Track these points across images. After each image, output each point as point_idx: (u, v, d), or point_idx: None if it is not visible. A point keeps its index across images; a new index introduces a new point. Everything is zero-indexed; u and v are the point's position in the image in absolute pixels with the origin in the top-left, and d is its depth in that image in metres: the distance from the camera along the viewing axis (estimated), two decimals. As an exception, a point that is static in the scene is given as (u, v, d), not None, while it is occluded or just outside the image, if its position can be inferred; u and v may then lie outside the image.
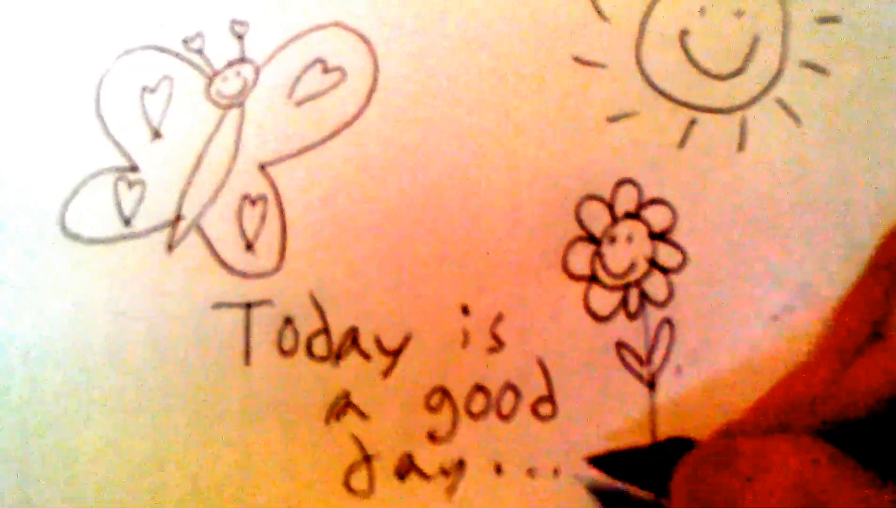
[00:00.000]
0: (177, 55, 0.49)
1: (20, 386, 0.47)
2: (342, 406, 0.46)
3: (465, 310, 0.46)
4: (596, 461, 0.44)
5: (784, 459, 0.36)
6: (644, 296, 0.45)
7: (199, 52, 0.49)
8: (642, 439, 0.44)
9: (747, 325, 0.44)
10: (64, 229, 0.48)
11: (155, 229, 0.48)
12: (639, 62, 0.46)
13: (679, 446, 0.42)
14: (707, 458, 0.39)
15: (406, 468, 0.45)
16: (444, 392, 0.45)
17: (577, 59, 0.47)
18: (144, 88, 0.49)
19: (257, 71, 0.48)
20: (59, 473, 0.47)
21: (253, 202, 0.47)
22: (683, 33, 0.46)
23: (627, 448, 0.44)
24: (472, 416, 0.45)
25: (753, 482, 0.36)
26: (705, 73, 0.46)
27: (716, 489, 0.38)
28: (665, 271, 0.45)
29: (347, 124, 0.47)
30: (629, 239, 0.45)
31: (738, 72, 0.46)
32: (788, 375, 0.42)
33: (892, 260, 0.42)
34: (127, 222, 0.48)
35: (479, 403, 0.45)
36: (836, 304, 0.43)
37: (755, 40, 0.46)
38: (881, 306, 0.40)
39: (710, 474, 0.38)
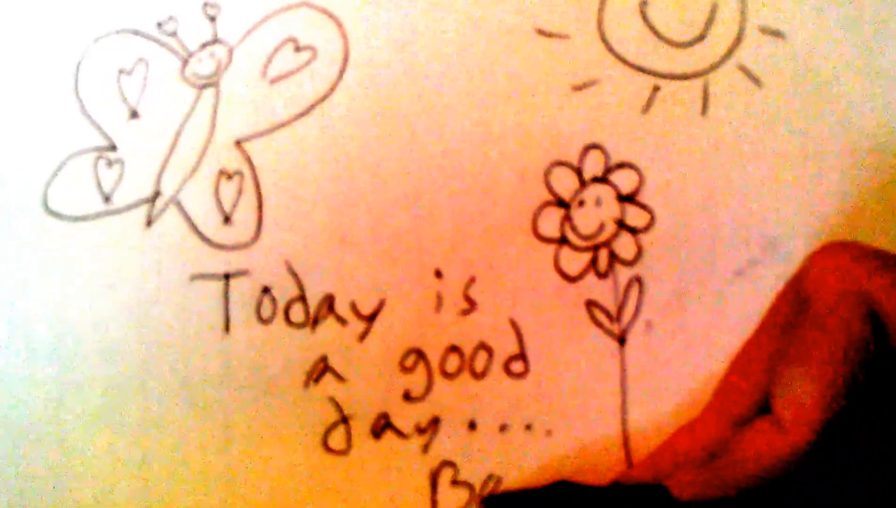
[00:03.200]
0: (151, 38, 0.50)
1: (8, 358, 0.48)
2: (320, 370, 0.47)
3: (437, 274, 0.47)
4: (487, 501, 0.45)
5: None
6: (613, 256, 0.46)
7: (173, 34, 0.50)
8: (613, 391, 0.45)
9: (714, 280, 0.45)
10: (46, 207, 0.49)
11: (134, 205, 0.49)
12: (601, 32, 0.47)
13: (562, 490, 0.43)
14: None
15: (382, 427, 0.46)
16: (419, 354, 0.46)
17: (540, 31, 0.48)
18: (121, 71, 0.50)
19: (230, 51, 0.49)
20: (48, 437, 0.48)
21: (229, 177, 0.48)
22: (643, 3, 0.47)
23: (518, 490, 0.45)
24: (447, 376, 0.46)
25: None
26: (666, 40, 0.47)
27: None
28: (633, 231, 0.46)
29: (320, 101, 0.48)
30: (598, 202, 0.46)
31: (699, 39, 0.47)
32: (681, 428, 0.44)
33: (783, 323, 0.42)
34: (107, 199, 0.49)
35: (452, 363, 0.46)
36: (798, 258, 0.44)
37: (714, 7, 0.47)
38: (769, 369, 0.41)
39: None
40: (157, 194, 0.48)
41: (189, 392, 0.47)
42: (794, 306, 0.42)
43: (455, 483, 0.46)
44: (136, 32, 0.50)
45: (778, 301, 0.44)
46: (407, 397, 0.46)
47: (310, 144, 0.48)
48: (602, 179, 0.46)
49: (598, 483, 0.44)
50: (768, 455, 0.39)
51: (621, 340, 0.46)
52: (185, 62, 0.49)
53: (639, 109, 0.47)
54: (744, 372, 0.43)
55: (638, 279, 0.46)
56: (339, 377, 0.47)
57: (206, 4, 0.50)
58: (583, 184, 0.46)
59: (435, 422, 0.46)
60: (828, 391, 0.38)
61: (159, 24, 0.50)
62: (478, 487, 0.45)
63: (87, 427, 0.48)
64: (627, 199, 0.46)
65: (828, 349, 0.38)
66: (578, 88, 0.47)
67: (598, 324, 0.46)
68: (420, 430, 0.46)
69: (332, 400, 0.46)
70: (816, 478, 0.39)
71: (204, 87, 0.49)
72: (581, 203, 0.46)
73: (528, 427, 0.45)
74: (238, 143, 0.48)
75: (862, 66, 0.46)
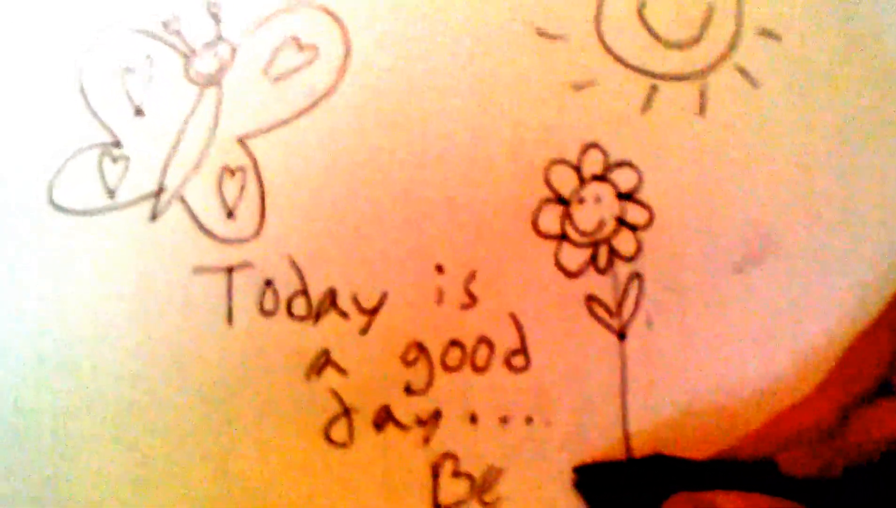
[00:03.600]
0: (156, 37, 0.51)
1: (13, 351, 0.49)
2: (322, 363, 0.47)
3: (439, 268, 0.47)
4: (580, 471, 0.45)
5: None
6: (613, 252, 0.46)
7: (177, 33, 0.50)
8: (612, 385, 0.45)
9: (713, 276, 0.46)
10: (52, 202, 0.49)
11: (139, 200, 0.49)
12: (599, 33, 0.48)
13: (659, 463, 0.43)
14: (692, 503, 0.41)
15: (384, 419, 0.46)
16: (420, 347, 0.47)
17: (539, 32, 0.48)
18: (126, 69, 0.50)
19: (234, 50, 0.50)
20: (52, 428, 0.48)
21: (232, 173, 0.48)
22: (641, 5, 0.48)
23: (608, 462, 0.45)
24: (448, 369, 0.46)
25: None
26: (664, 42, 0.48)
27: None
28: (633, 228, 0.46)
29: (322, 99, 0.49)
30: (598, 200, 0.47)
31: (696, 40, 0.48)
32: (791, 407, 0.44)
33: None
34: (112, 194, 0.49)
35: (454, 357, 0.46)
36: (796, 253, 0.45)
37: (710, 9, 0.48)
38: (888, 360, 0.41)
39: None
40: (161, 190, 0.49)
41: (192, 384, 0.47)
42: None
43: (456, 474, 0.46)
44: (140, 31, 0.51)
45: None
46: (408, 390, 0.46)
47: (312, 141, 0.49)
48: (601, 177, 0.47)
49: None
50: (888, 430, 0.39)
51: (621, 335, 0.46)
52: (189, 60, 0.50)
53: (637, 109, 0.47)
54: (863, 355, 0.43)
55: (637, 275, 0.46)
56: (341, 370, 0.47)
57: (209, 3, 0.50)
58: (582, 182, 0.47)
59: (436, 415, 0.46)
60: None
61: (164, 23, 0.51)
62: (478, 479, 0.45)
63: (91, 420, 0.48)
64: (627, 196, 0.47)
65: None
66: (577, 89, 0.48)
67: (598, 319, 0.46)
68: (421, 423, 0.46)
69: (334, 393, 0.47)
70: None
71: (207, 84, 0.50)
72: (581, 200, 0.47)
73: (529, 420, 0.46)
74: (241, 139, 0.49)
75: (857, 66, 0.46)
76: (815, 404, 0.43)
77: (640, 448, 0.45)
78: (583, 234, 0.47)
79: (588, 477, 0.45)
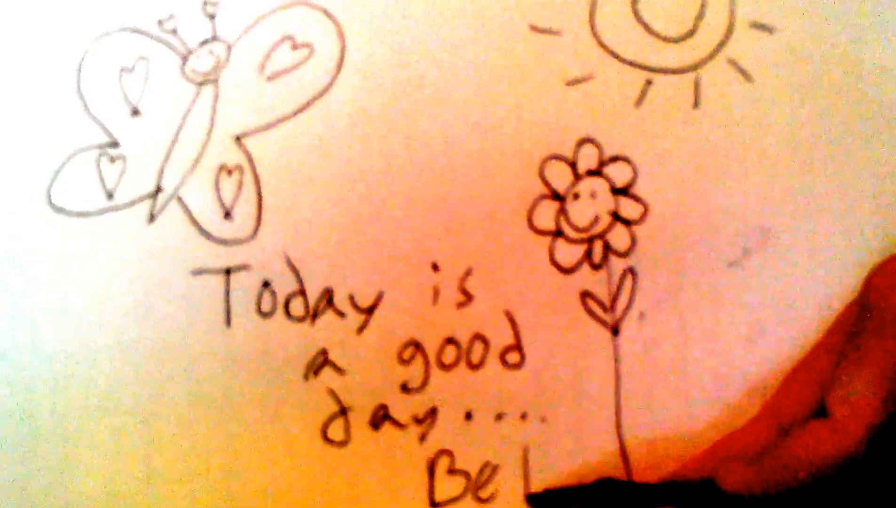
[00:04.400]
0: (152, 36, 0.51)
1: (14, 353, 0.49)
2: (320, 363, 0.48)
3: (434, 267, 0.47)
4: (531, 499, 0.46)
5: None
6: (608, 247, 0.47)
7: (173, 32, 0.50)
8: (607, 380, 0.46)
9: (707, 271, 0.46)
10: (50, 203, 0.50)
11: (136, 200, 0.49)
12: (593, 28, 0.48)
13: (607, 487, 0.44)
14: None
15: (381, 418, 0.47)
16: (417, 346, 0.47)
17: (533, 28, 0.48)
18: (122, 69, 0.50)
19: (229, 49, 0.50)
20: (53, 429, 0.49)
21: (229, 172, 0.49)
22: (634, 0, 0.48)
23: (560, 487, 0.45)
24: (444, 367, 0.47)
25: None
26: (657, 36, 0.48)
27: None
28: (627, 223, 0.47)
29: (318, 97, 0.49)
30: (592, 195, 0.47)
31: (689, 34, 0.48)
32: (729, 434, 0.44)
33: (847, 334, 0.43)
34: (110, 195, 0.49)
35: (449, 354, 0.47)
36: (791, 247, 0.45)
37: (704, 3, 0.48)
38: (827, 378, 0.42)
39: None
40: (158, 190, 0.49)
41: (191, 385, 0.48)
42: (857, 317, 0.42)
43: (452, 471, 0.46)
44: (136, 31, 0.51)
45: (844, 314, 0.44)
46: (405, 388, 0.47)
47: (308, 140, 0.49)
48: (596, 173, 0.47)
49: (594, 474, 0.45)
50: (820, 453, 0.40)
51: (615, 330, 0.46)
52: (185, 60, 0.50)
53: (632, 104, 0.47)
54: (803, 379, 0.44)
55: (632, 271, 0.47)
56: (339, 370, 0.47)
57: (205, 3, 0.50)
58: (577, 177, 0.47)
59: (432, 412, 0.47)
60: (882, 394, 0.39)
61: (160, 23, 0.51)
62: (474, 475, 0.46)
63: (91, 419, 0.48)
64: (621, 191, 0.47)
65: (884, 356, 0.39)
66: (572, 83, 0.48)
67: (593, 315, 0.46)
68: (418, 420, 0.47)
69: (332, 392, 0.47)
70: (866, 480, 0.40)
71: (203, 84, 0.50)
72: (576, 196, 0.47)
73: (524, 417, 0.46)
74: (238, 138, 0.49)
75: (850, 59, 0.46)
76: (756, 425, 0.44)
77: (634, 443, 0.45)
78: (577, 229, 0.47)
79: (539, 504, 0.45)
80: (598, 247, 0.47)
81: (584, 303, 0.47)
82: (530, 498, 0.46)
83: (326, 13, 0.49)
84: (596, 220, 0.47)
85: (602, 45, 0.48)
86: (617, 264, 0.47)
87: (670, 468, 0.45)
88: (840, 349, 0.42)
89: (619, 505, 0.43)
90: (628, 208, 0.47)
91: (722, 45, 0.47)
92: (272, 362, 0.48)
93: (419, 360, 0.47)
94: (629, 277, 0.46)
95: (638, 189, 0.47)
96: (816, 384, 0.42)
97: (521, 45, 0.48)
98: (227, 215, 0.49)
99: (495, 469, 0.46)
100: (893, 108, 0.46)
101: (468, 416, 0.47)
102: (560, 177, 0.47)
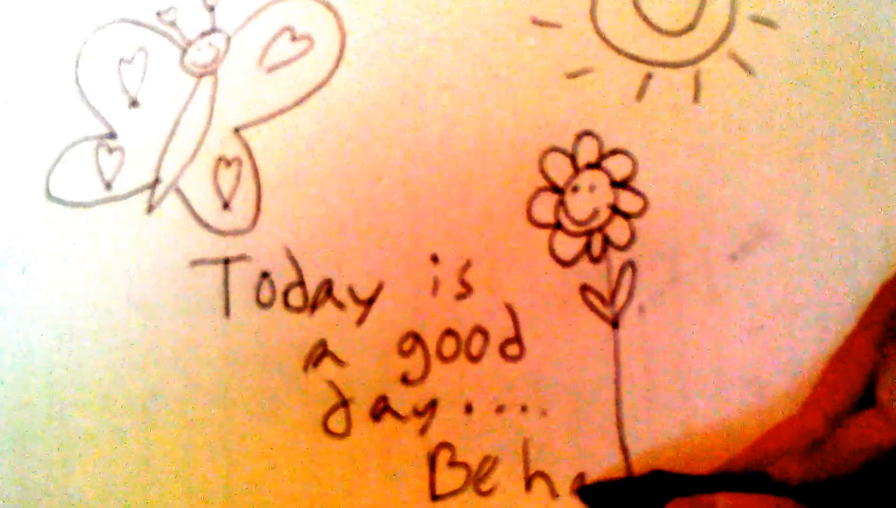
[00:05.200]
0: (151, 28, 0.51)
1: (12, 344, 0.49)
2: (319, 354, 0.47)
3: (434, 259, 0.47)
4: (582, 491, 0.45)
5: None
6: (607, 240, 0.46)
7: (173, 24, 0.51)
8: (606, 373, 0.46)
9: (707, 264, 0.46)
10: (49, 194, 0.50)
11: (135, 191, 0.49)
12: (594, 21, 0.48)
13: (660, 480, 0.44)
14: None
15: (381, 409, 0.47)
16: (416, 337, 0.47)
17: (534, 21, 0.48)
18: (121, 60, 0.50)
19: (228, 41, 0.50)
20: (51, 419, 0.49)
21: (228, 164, 0.49)
22: (635, -7, 0.48)
23: (611, 480, 0.45)
24: (444, 359, 0.47)
25: None
26: (658, 29, 0.48)
27: None
28: (627, 216, 0.47)
29: (317, 89, 0.49)
30: (591, 188, 0.47)
31: (690, 27, 0.48)
32: (777, 425, 0.44)
33: (886, 316, 0.43)
34: (108, 186, 0.49)
35: (449, 346, 0.47)
36: (791, 241, 0.45)
37: (704, -3, 0.48)
38: (868, 370, 0.42)
39: None
40: (157, 181, 0.49)
41: (190, 376, 0.48)
42: None
43: (452, 464, 0.46)
44: (136, 22, 0.51)
45: (880, 296, 0.44)
46: (405, 380, 0.47)
47: (307, 132, 0.49)
48: (596, 166, 0.47)
49: (595, 465, 0.45)
50: (873, 442, 0.40)
51: (614, 323, 0.46)
52: (184, 51, 0.50)
53: (632, 97, 0.47)
54: (844, 368, 0.43)
55: (631, 264, 0.46)
56: (339, 361, 0.47)
57: (204, -6, 0.50)
58: (577, 170, 0.47)
59: (432, 405, 0.47)
60: None
61: (159, 14, 0.51)
62: (475, 468, 0.46)
63: (90, 410, 0.48)
64: (621, 185, 0.47)
65: None
66: (572, 77, 0.48)
67: (592, 308, 0.46)
68: (418, 412, 0.47)
69: (332, 384, 0.47)
70: None
71: (202, 75, 0.50)
72: (575, 189, 0.47)
73: (524, 409, 0.46)
74: (236, 130, 0.49)
75: (852, 53, 0.46)
76: (804, 416, 0.44)
77: (633, 435, 0.45)
78: (577, 223, 0.47)
79: (590, 496, 0.45)
80: (597, 240, 0.47)
81: (583, 296, 0.46)
82: (581, 491, 0.45)
83: (326, 5, 0.50)
84: (595, 213, 0.47)
85: (603, 38, 0.48)
86: (616, 258, 0.46)
87: (669, 459, 0.45)
88: (879, 334, 0.42)
89: (671, 495, 0.43)
90: (628, 202, 0.47)
91: (723, 38, 0.47)
92: (271, 352, 0.48)
93: (419, 352, 0.47)
94: (629, 270, 0.46)
95: (637, 183, 0.47)
96: (859, 371, 0.42)
97: (523, 38, 0.48)
98: (226, 205, 0.49)
99: (496, 461, 0.46)
100: (891, 103, 0.46)
101: (468, 408, 0.46)
102: (559, 170, 0.47)
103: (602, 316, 0.46)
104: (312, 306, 0.48)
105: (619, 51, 0.48)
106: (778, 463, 0.42)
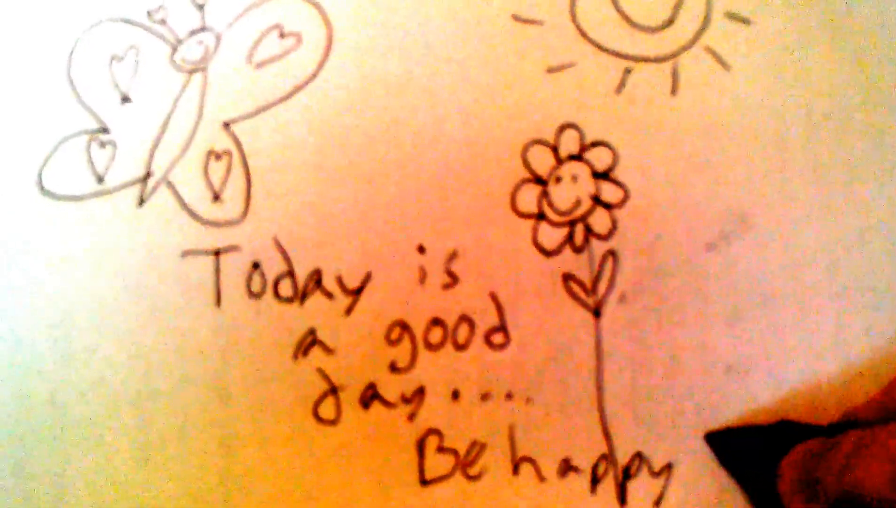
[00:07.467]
0: (142, 26, 0.51)
1: (5, 336, 0.50)
2: (309, 343, 0.48)
3: (421, 249, 0.48)
4: (709, 437, 0.46)
5: (884, 440, 0.38)
6: (589, 230, 0.47)
7: (163, 22, 0.51)
8: (588, 361, 0.47)
9: (686, 253, 0.47)
10: (41, 188, 0.50)
11: (126, 185, 0.50)
12: (574, 18, 0.49)
13: (786, 429, 0.45)
14: (812, 447, 0.42)
15: (370, 397, 0.48)
16: (404, 326, 0.48)
17: (516, 18, 0.49)
18: (113, 57, 0.51)
19: (218, 38, 0.51)
20: (47, 409, 0.49)
21: (218, 157, 0.49)
22: (614, -10, 0.49)
23: (737, 427, 0.46)
24: (430, 347, 0.48)
25: (856, 458, 0.39)
26: (636, 25, 0.49)
27: (822, 467, 0.40)
28: (608, 206, 0.48)
29: (304, 84, 0.50)
30: (574, 179, 0.48)
31: (667, 24, 0.49)
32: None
33: None
34: (100, 179, 0.50)
35: (436, 335, 0.48)
36: (769, 232, 0.46)
37: (681, -6, 0.49)
38: None
39: (817, 457, 0.41)
40: (148, 175, 0.50)
41: (182, 365, 0.49)
42: None
43: (441, 449, 0.47)
44: (127, 21, 0.51)
45: None
46: (393, 368, 0.48)
47: (295, 125, 0.49)
48: (578, 157, 0.48)
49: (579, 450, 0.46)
50: None
51: (596, 312, 0.47)
52: (175, 48, 0.51)
53: (612, 91, 0.49)
54: None
55: (612, 253, 0.47)
56: (328, 350, 0.48)
57: (194, -8, 0.51)
58: (559, 161, 0.48)
59: (420, 392, 0.48)
60: None
61: (149, 13, 0.51)
62: (462, 453, 0.47)
63: (84, 400, 0.49)
64: (602, 175, 0.48)
65: None
66: (554, 71, 0.49)
67: (575, 297, 0.47)
68: (406, 400, 0.48)
69: (321, 372, 0.48)
70: None
71: (193, 72, 0.50)
72: (558, 180, 0.48)
73: (509, 396, 0.47)
74: (226, 124, 0.50)
75: (827, 47, 0.48)
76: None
77: (616, 420, 0.47)
78: (560, 213, 0.48)
79: (716, 443, 0.46)
80: (579, 230, 0.48)
81: (566, 285, 0.47)
82: (709, 437, 0.46)
83: (314, 3, 0.50)
84: (577, 203, 0.48)
85: (583, 34, 0.49)
86: (598, 247, 0.47)
87: (649, 444, 0.46)
88: None
89: (796, 442, 0.43)
90: (609, 192, 0.48)
91: (699, 34, 0.48)
92: (262, 341, 0.48)
93: (406, 340, 0.48)
94: (610, 259, 0.47)
95: (618, 174, 0.48)
96: None
97: (505, 35, 0.49)
98: (217, 198, 0.49)
99: (483, 447, 0.47)
100: (866, 96, 0.47)
101: (455, 395, 0.47)
102: (542, 161, 0.48)
103: (584, 305, 0.47)
104: (302, 295, 0.48)
105: (598, 46, 0.49)
106: None
